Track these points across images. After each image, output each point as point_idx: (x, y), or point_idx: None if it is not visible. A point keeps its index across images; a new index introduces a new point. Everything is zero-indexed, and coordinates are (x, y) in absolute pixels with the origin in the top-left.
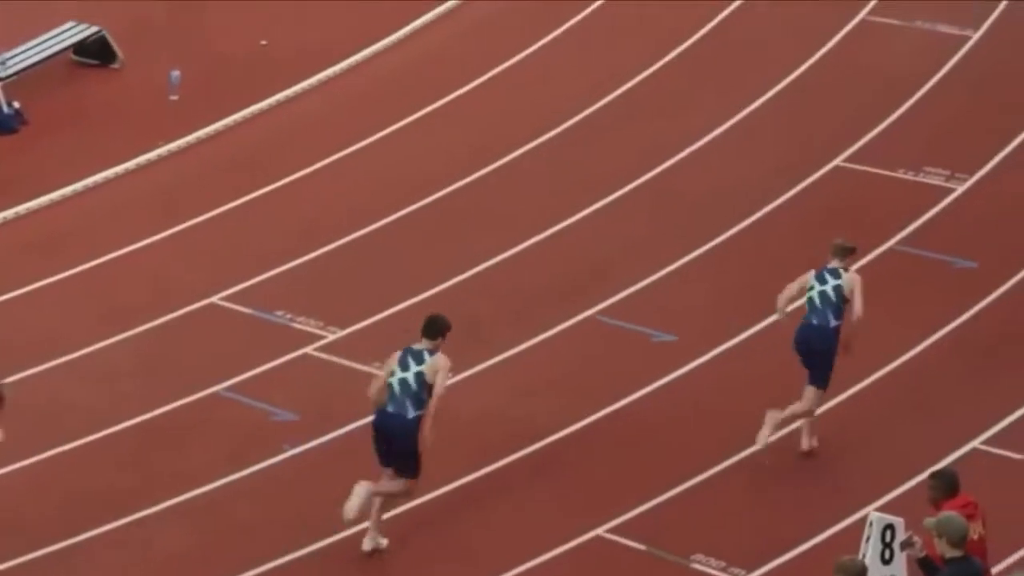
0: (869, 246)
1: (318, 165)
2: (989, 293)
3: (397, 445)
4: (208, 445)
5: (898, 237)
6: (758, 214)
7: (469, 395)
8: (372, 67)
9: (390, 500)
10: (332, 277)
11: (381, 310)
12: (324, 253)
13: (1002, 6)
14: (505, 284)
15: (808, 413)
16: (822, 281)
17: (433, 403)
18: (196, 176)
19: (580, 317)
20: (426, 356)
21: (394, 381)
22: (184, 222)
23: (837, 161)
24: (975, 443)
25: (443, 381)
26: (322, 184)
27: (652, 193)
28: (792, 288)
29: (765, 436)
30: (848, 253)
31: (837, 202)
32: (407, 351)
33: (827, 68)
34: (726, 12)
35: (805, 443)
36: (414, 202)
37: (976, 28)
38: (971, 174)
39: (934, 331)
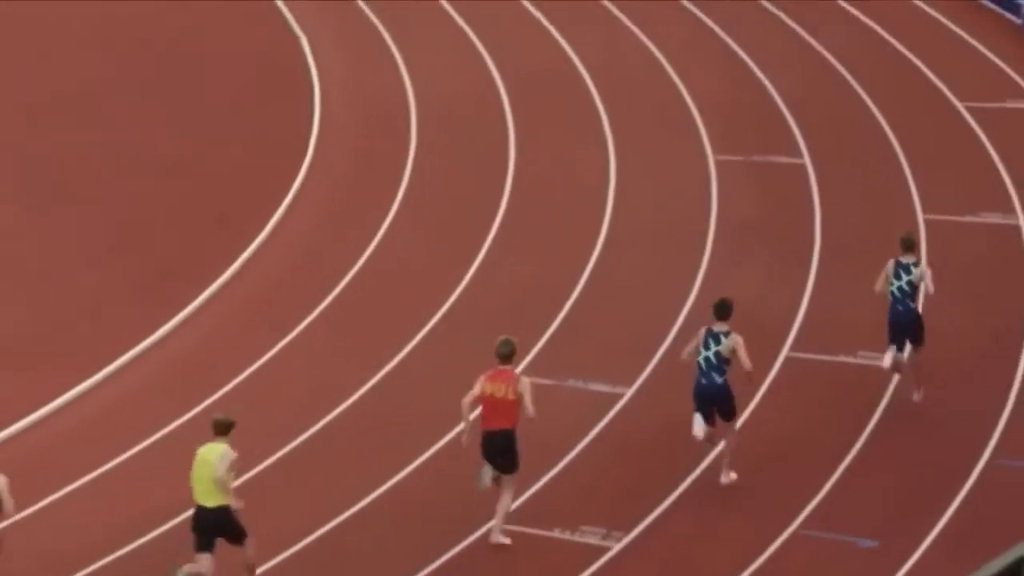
0: None
1: None
2: None
3: (717, 404)
4: None
5: None
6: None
7: None
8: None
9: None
10: None
11: None
12: None
13: (654, 363)
14: None
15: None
16: (898, 276)
17: (746, 366)
18: None
19: None
20: (722, 338)
21: (701, 360)
22: None
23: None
24: None
25: (743, 353)
26: None
27: None
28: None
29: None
30: (915, 245)
31: (500, 565)
32: (708, 332)
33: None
34: (378, 375)
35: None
36: None
37: (629, 385)
38: (627, 532)
39: None
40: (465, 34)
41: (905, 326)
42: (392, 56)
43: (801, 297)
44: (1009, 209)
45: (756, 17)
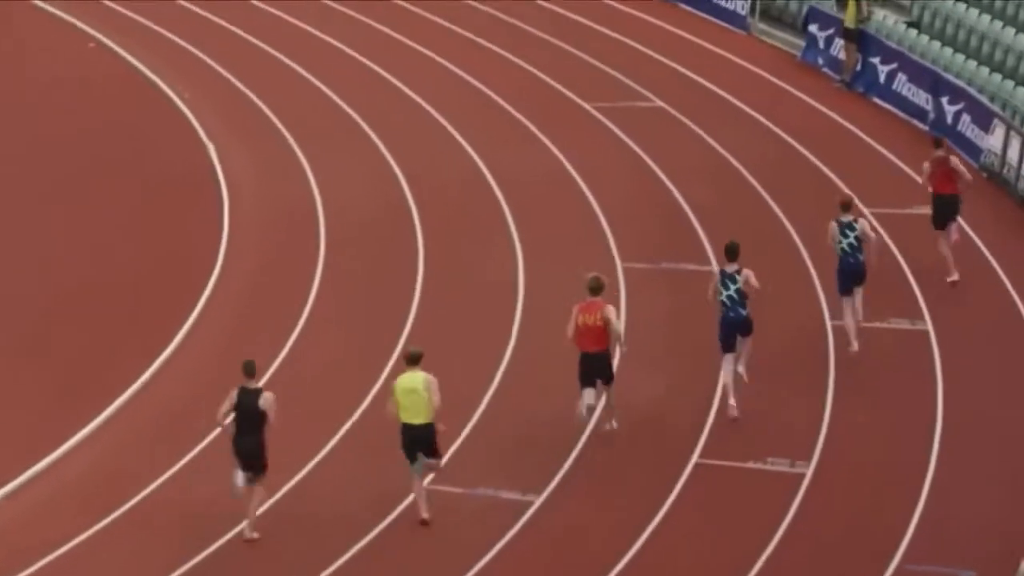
0: None
1: None
2: None
3: (743, 331)
4: None
5: None
6: None
7: None
8: None
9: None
10: None
11: None
12: None
13: (564, 470)
14: None
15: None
16: (845, 235)
17: (755, 289)
18: None
19: None
20: (736, 277)
21: (725, 298)
22: None
23: None
24: None
25: (755, 282)
26: None
27: None
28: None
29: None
30: (852, 206)
31: None
32: (723, 274)
33: None
34: (292, 482)
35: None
36: None
37: (539, 493)
38: None
39: None
40: (372, 141)
41: (856, 276)
42: (300, 163)
43: (710, 403)
44: (917, 315)
45: (664, 125)
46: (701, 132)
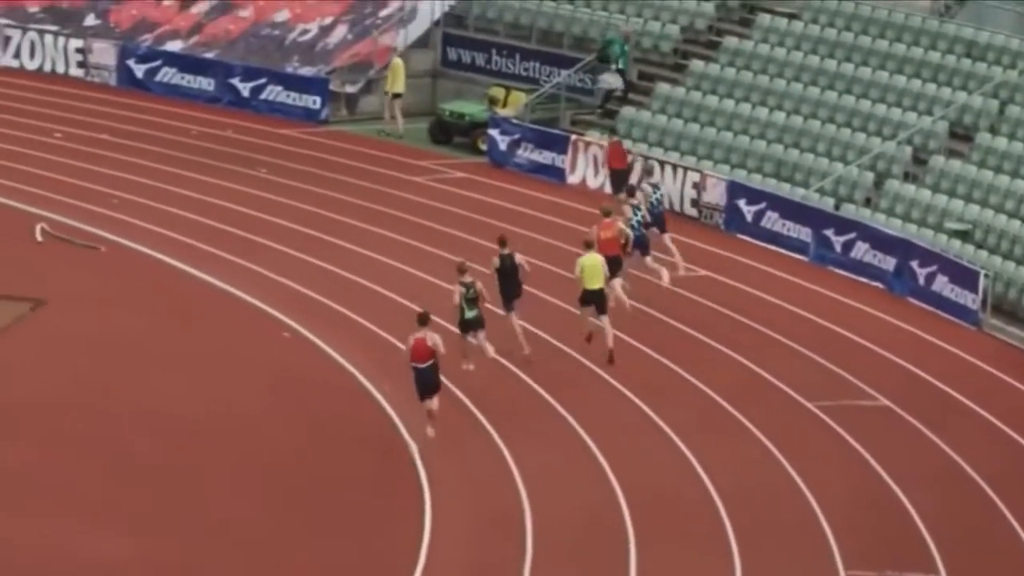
0: None
1: None
2: None
3: (644, 246)
4: None
5: None
6: None
7: None
8: None
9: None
10: None
11: None
12: None
13: None
14: None
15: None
16: (655, 191)
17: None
18: None
19: None
20: (640, 209)
21: (634, 222)
22: None
23: None
24: None
25: (647, 216)
26: None
27: None
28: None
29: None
30: (652, 171)
31: None
32: (632, 207)
33: None
34: None
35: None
36: None
37: None
38: None
39: None
40: (580, 436)
41: (644, 240)
42: (506, 462)
43: None
44: None
45: (890, 425)
46: (929, 433)
